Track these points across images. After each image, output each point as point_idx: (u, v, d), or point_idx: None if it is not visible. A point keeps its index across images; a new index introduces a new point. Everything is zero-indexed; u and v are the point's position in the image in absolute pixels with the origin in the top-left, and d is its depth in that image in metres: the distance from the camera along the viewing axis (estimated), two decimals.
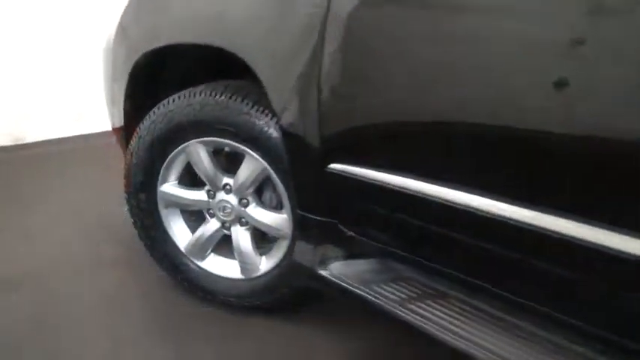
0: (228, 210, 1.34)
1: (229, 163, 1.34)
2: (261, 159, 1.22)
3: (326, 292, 1.20)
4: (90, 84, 2.47)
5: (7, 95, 2.83)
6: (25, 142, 2.94)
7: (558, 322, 0.87)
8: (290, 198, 1.21)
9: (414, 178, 0.94)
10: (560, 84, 0.75)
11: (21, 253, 1.79)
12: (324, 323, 1.38)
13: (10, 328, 1.40)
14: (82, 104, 2.93)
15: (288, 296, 1.35)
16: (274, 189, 1.28)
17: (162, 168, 1.35)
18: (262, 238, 1.39)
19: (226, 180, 1.32)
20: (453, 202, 0.89)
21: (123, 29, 1.42)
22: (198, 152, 1.30)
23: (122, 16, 1.42)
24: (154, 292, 1.55)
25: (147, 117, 1.34)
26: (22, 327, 1.40)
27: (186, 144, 1.30)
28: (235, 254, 1.37)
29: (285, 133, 1.09)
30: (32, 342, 1.35)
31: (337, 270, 1.08)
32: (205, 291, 1.45)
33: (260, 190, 1.34)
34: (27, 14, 2.75)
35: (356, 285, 1.03)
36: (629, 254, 0.71)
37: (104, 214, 2.00)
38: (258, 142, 1.20)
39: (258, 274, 1.36)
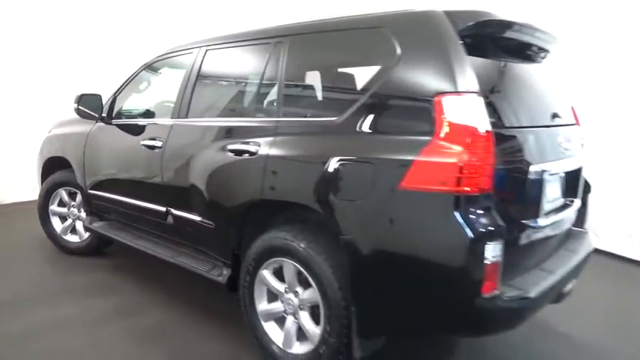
0: (75, 214, 3.63)
1: (73, 196, 3.66)
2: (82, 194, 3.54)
3: (105, 239, 3.46)
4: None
5: None
6: (3, 203, 5.27)
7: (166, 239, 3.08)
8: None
9: (111, 193, 3.23)
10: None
11: None
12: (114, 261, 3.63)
13: None
14: (34, 183, 5.26)
15: (99, 245, 3.61)
16: None
17: (50, 199, 3.67)
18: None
19: (73, 202, 3.63)
20: (121, 200, 3.17)
21: (41, 149, 3.82)
22: (62, 193, 3.63)
23: (42, 143, 3.82)
24: (52, 252, 3.77)
25: (45, 182, 3.69)
26: None
27: (58, 190, 3.63)
28: (77, 232, 3.65)
29: (78, 183, 3.41)
30: None
31: (97, 226, 3.36)
32: (67, 248, 3.70)
33: None
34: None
35: (102, 229, 3.30)
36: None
37: (39, 231, 4.24)
38: (80, 188, 3.52)
39: (85, 237, 3.62)
